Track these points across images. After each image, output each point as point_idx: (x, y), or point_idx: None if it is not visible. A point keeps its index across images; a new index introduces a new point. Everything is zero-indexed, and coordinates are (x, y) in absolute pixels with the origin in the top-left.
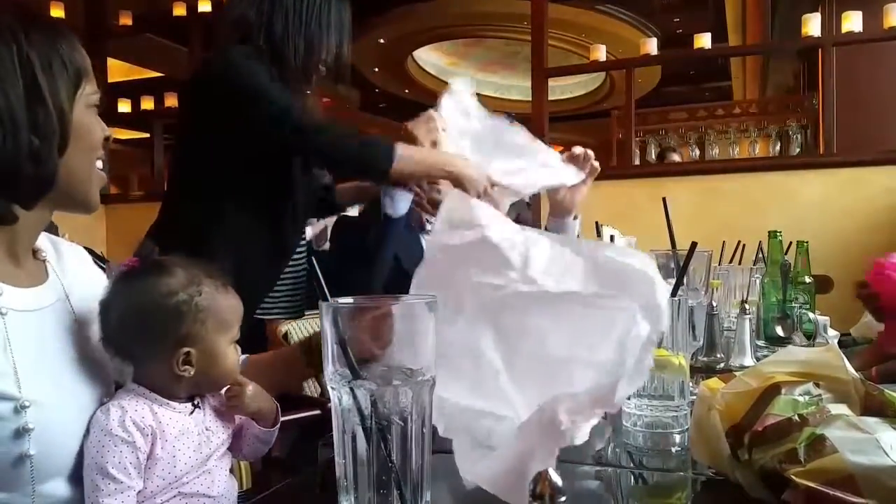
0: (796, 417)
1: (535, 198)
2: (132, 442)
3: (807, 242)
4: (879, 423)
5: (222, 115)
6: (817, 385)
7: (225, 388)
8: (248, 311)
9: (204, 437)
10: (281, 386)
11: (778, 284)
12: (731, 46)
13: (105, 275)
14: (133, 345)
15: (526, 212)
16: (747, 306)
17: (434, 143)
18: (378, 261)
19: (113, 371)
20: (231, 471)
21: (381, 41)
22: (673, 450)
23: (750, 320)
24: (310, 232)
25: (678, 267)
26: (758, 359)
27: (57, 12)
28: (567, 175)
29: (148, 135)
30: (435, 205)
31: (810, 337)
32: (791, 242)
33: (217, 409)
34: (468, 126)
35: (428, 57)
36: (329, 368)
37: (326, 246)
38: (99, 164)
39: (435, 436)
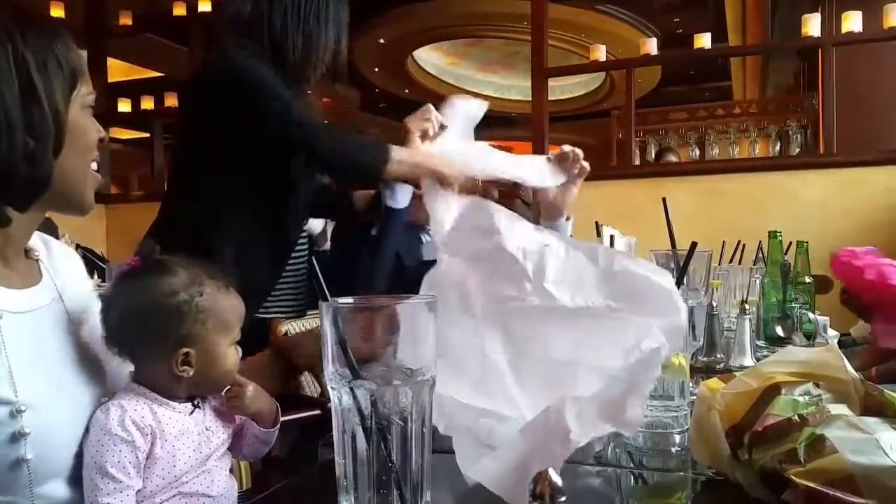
0: (796, 417)
1: (536, 198)
2: (132, 441)
3: (807, 242)
4: (879, 423)
5: (222, 114)
6: (817, 385)
7: (225, 389)
8: (250, 311)
9: (204, 436)
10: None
11: (778, 284)
12: (731, 46)
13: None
14: (133, 344)
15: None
16: (747, 306)
17: (424, 134)
18: (380, 254)
19: (114, 370)
20: (231, 471)
21: (381, 41)
22: (673, 450)
23: (750, 320)
24: (318, 225)
25: (678, 267)
26: (758, 359)
27: (57, 12)
28: (551, 177)
29: (148, 135)
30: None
31: (810, 337)
32: (791, 242)
33: (217, 410)
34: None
35: (428, 57)
36: (329, 368)
37: (327, 246)
38: (94, 165)
39: (435, 435)
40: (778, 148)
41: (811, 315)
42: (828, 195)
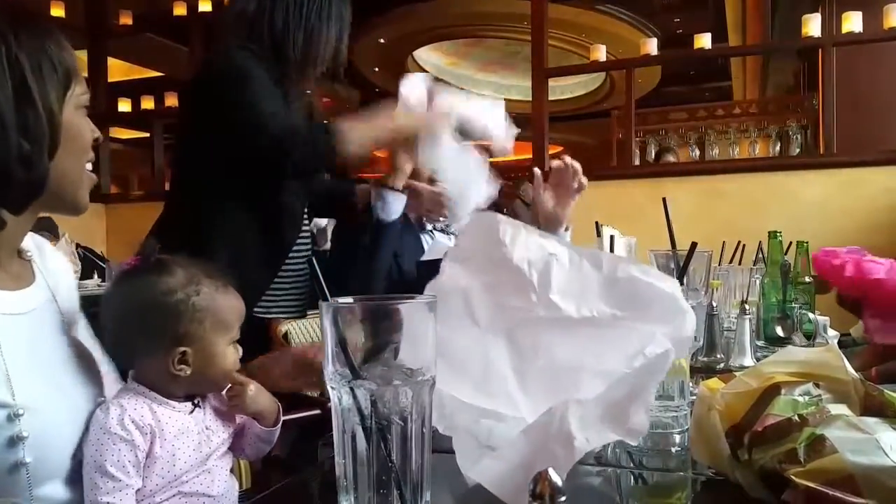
0: (796, 417)
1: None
2: (131, 440)
3: (807, 243)
4: (879, 423)
5: (220, 115)
6: (817, 385)
7: (226, 389)
8: (247, 310)
9: (204, 436)
10: None
11: (778, 285)
12: (732, 46)
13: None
14: (130, 343)
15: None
16: (747, 306)
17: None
18: (375, 265)
19: (108, 369)
20: (231, 470)
21: (382, 41)
22: (673, 450)
23: (750, 320)
24: (321, 222)
25: (678, 267)
26: (758, 359)
27: (57, 11)
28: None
29: (148, 134)
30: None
31: (810, 337)
32: (791, 243)
33: (218, 409)
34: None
35: (428, 57)
36: (329, 368)
37: (327, 245)
38: (89, 165)
39: (435, 435)
40: (778, 148)
41: (811, 315)
42: (828, 195)
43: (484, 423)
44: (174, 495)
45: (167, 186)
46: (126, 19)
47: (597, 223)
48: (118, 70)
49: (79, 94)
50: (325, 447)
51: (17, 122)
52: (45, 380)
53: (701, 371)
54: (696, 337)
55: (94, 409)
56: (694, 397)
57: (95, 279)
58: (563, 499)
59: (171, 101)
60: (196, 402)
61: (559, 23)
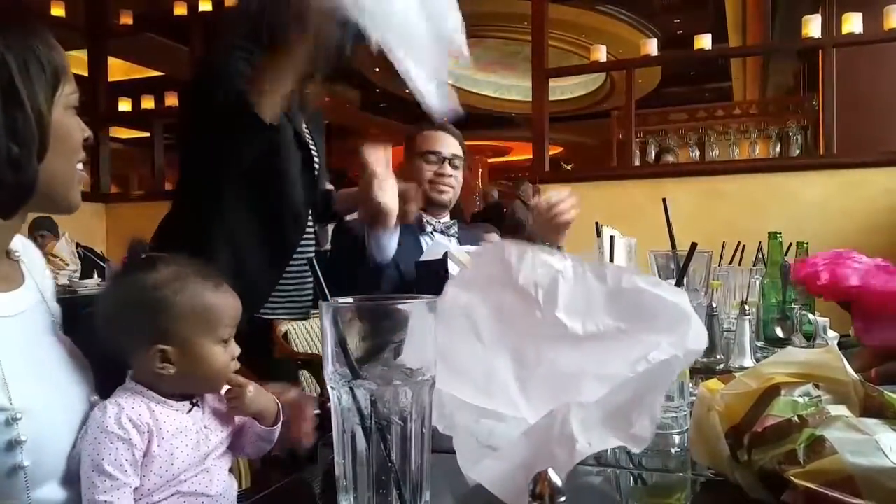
0: (796, 418)
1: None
2: (128, 439)
3: (807, 243)
4: (879, 424)
5: (213, 115)
6: (817, 386)
7: (225, 389)
8: (251, 312)
9: (202, 434)
10: None
11: (778, 285)
12: (732, 47)
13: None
14: (118, 340)
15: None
16: (747, 307)
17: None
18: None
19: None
20: (230, 470)
21: None
22: (672, 450)
23: (750, 321)
24: None
25: (678, 268)
26: (757, 360)
27: (58, 11)
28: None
29: (148, 134)
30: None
31: (810, 338)
32: (791, 243)
33: (217, 408)
34: None
35: None
36: (329, 368)
37: (328, 246)
38: (80, 165)
39: (435, 435)
40: (778, 149)
41: (811, 316)
42: (828, 196)
43: (484, 422)
44: (172, 495)
45: (167, 186)
46: (126, 19)
47: (597, 223)
48: (118, 70)
49: (68, 93)
50: (324, 447)
51: (4, 125)
52: (42, 382)
53: (701, 372)
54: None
55: (89, 409)
56: (693, 398)
57: (95, 279)
58: (562, 499)
59: (172, 100)
60: (195, 401)
61: (560, 23)
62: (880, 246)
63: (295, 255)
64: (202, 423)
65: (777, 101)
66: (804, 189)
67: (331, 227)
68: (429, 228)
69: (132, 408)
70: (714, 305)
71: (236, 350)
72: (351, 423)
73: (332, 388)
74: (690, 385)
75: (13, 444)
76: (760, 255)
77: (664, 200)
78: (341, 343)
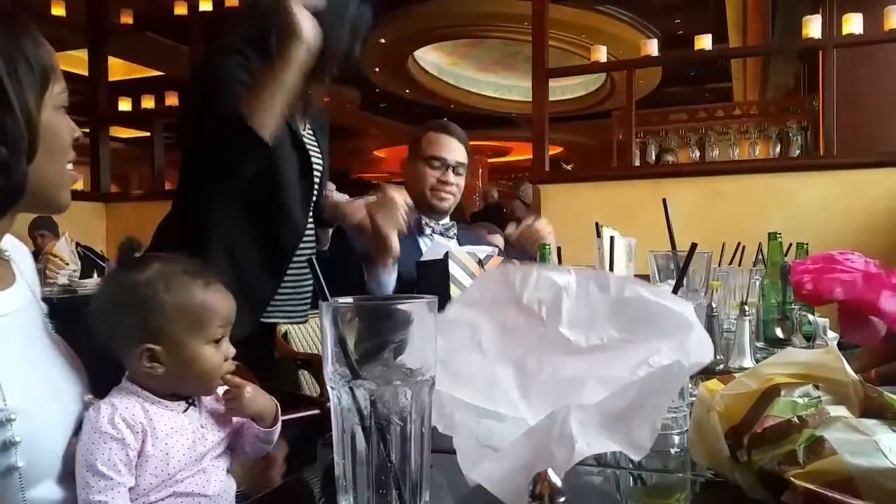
0: (795, 419)
1: (536, 198)
2: (121, 439)
3: (807, 244)
4: (879, 425)
5: (205, 119)
6: (817, 387)
7: (223, 390)
8: (251, 321)
9: (198, 434)
10: None
11: (777, 286)
12: (732, 48)
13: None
14: (107, 340)
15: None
16: (747, 308)
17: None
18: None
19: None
20: (228, 470)
21: (382, 41)
22: (672, 451)
23: (749, 322)
24: None
25: (678, 268)
26: (757, 360)
27: (58, 10)
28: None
29: (148, 133)
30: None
31: (810, 339)
32: (791, 244)
33: (214, 409)
34: None
35: (429, 57)
36: (329, 368)
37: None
38: (70, 165)
39: (434, 435)
40: (778, 149)
41: (811, 317)
42: (828, 197)
43: (484, 423)
44: (169, 495)
45: (167, 186)
46: (127, 18)
47: (597, 224)
48: (119, 69)
49: (57, 93)
50: (324, 447)
51: None
52: (35, 382)
53: (700, 372)
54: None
55: (83, 408)
56: (693, 398)
57: (95, 278)
58: (562, 499)
59: (172, 100)
60: (191, 401)
61: (560, 23)
62: (880, 246)
63: (294, 260)
64: (198, 422)
65: (777, 101)
66: (804, 189)
67: (331, 228)
68: (427, 231)
69: (126, 408)
70: (714, 306)
71: (230, 351)
72: (351, 423)
73: (331, 388)
74: (690, 386)
75: (7, 445)
76: (760, 256)
77: (664, 201)
78: (341, 343)
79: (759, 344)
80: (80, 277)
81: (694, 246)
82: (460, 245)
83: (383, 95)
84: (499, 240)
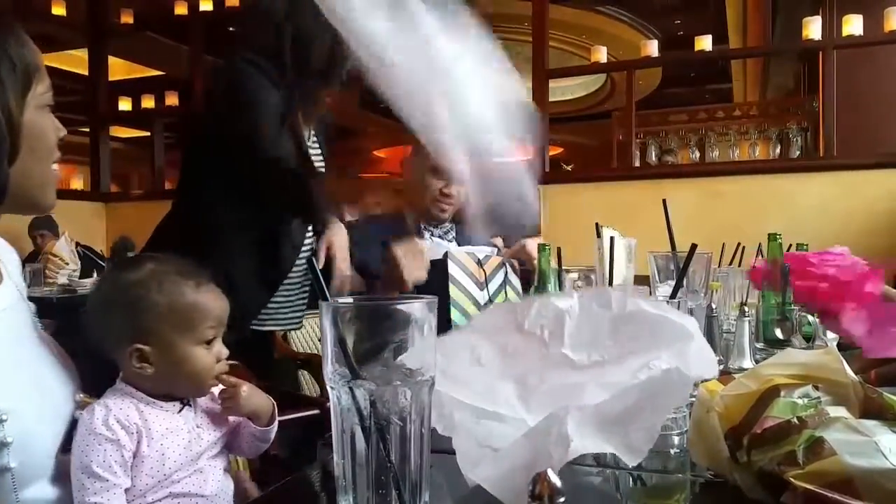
0: (795, 420)
1: (536, 200)
2: (116, 440)
3: (806, 245)
4: (878, 425)
5: (224, 134)
6: (816, 387)
7: (219, 390)
8: (243, 325)
9: (194, 434)
10: None
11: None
12: (732, 49)
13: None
14: (99, 340)
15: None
16: (746, 308)
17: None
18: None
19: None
20: (228, 470)
21: None
22: (672, 451)
23: (749, 322)
24: None
25: (678, 269)
26: (757, 361)
27: (58, 10)
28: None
29: (148, 133)
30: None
31: (809, 339)
32: (791, 245)
33: (210, 408)
34: None
35: None
36: (328, 368)
37: None
38: (55, 165)
39: (434, 435)
40: (778, 150)
41: (810, 317)
42: (828, 198)
43: (484, 423)
44: (166, 496)
45: (167, 186)
46: (127, 18)
47: (597, 224)
48: (118, 69)
49: (41, 92)
50: (324, 447)
51: None
52: (26, 382)
53: None
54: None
55: (74, 408)
56: (693, 399)
57: (95, 278)
58: (562, 500)
59: (172, 100)
60: (186, 401)
61: (560, 24)
62: (880, 247)
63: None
64: (194, 422)
65: (777, 102)
66: (804, 190)
67: None
68: (426, 235)
69: (120, 409)
70: (713, 307)
71: (223, 352)
72: (350, 423)
73: (331, 388)
74: None
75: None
76: (760, 257)
77: (664, 201)
78: (341, 343)
79: (759, 345)
80: (80, 277)
81: (694, 247)
82: (459, 246)
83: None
84: (498, 240)
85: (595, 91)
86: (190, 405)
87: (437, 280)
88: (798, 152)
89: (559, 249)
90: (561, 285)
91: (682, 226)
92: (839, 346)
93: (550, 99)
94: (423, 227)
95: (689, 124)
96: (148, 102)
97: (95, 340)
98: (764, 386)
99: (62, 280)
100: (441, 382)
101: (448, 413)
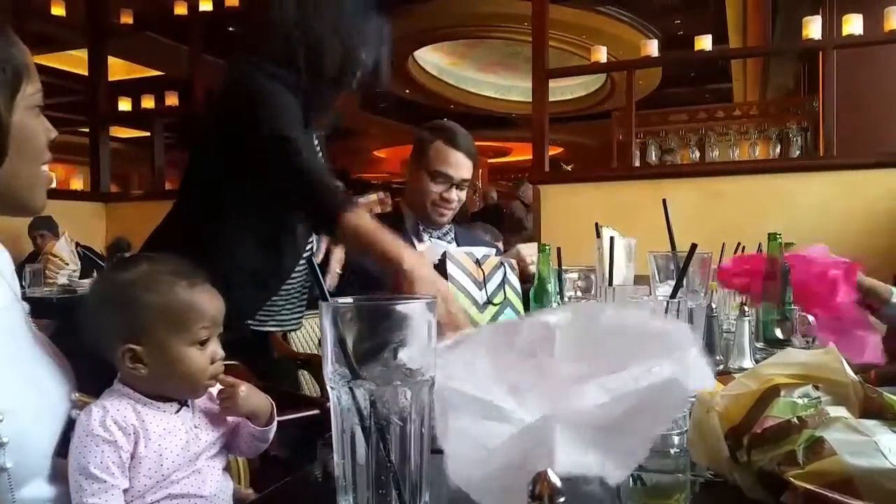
0: (795, 419)
1: (536, 199)
2: (113, 441)
3: (792, 244)
4: (878, 425)
5: (238, 135)
6: (816, 387)
7: (217, 390)
8: (241, 322)
9: (192, 435)
10: None
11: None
12: (732, 48)
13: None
14: (94, 340)
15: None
16: (746, 308)
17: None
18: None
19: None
20: (227, 470)
21: None
22: (672, 451)
23: (749, 322)
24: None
25: (678, 268)
26: (757, 361)
27: (58, 10)
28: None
29: (148, 133)
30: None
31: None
32: (791, 245)
33: (208, 408)
34: None
35: (429, 57)
36: (328, 368)
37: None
38: (45, 167)
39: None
40: (778, 150)
41: (810, 317)
42: (828, 197)
43: (483, 423)
44: (164, 497)
45: (167, 186)
46: (126, 18)
47: (597, 224)
48: (118, 69)
49: (30, 93)
50: (324, 447)
51: None
52: (21, 382)
53: None
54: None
55: (70, 407)
56: (693, 399)
57: (95, 277)
58: (561, 500)
59: (172, 100)
60: (183, 401)
61: (560, 24)
62: (880, 247)
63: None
64: (192, 423)
65: (777, 102)
66: (804, 190)
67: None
68: (425, 237)
69: (117, 410)
70: (713, 306)
71: (218, 353)
72: (350, 423)
73: (331, 388)
74: None
75: None
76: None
77: (664, 201)
78: (341, 343)
79: (759, 344)
80: (80, 278)
81: (694, 246)
82: (458, 246)
83: (383, 95)
84: (499, 243)
85: (595, 91)
86: (188, 406)
87: None
88: (798, 152)
89: (559, 249)
90: (561, 285)
91: (682, 225)
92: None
93: (550, 99)
94: (422, 229)
95: (689, 124)
96: (148, 102)
97: (91, 341)
98: (764, 386)
99: (62, 280)
100: (440, 380)
101: (442, 416)
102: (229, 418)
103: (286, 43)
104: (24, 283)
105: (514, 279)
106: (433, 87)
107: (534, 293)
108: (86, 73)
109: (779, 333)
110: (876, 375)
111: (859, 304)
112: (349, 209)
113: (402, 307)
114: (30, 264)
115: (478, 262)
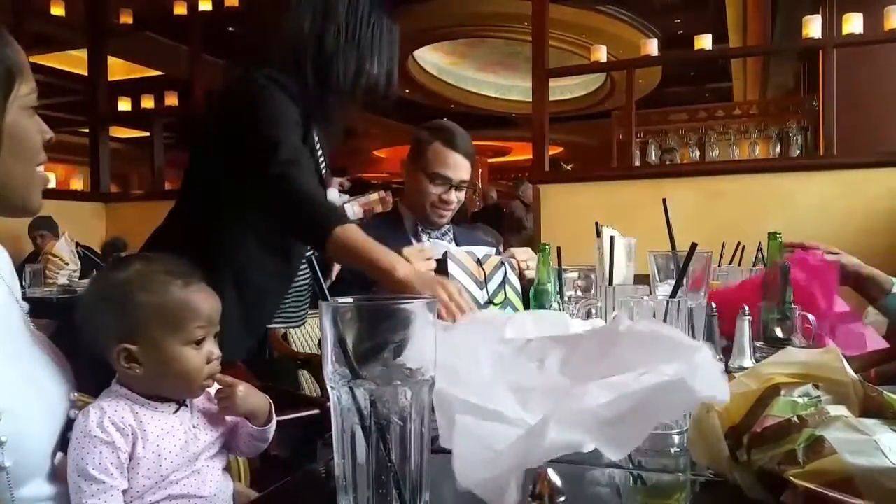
0: (795, 419)
1: (536, 198)
2: (111, 442)
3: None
4: (878, 424)
5: (237, 136)
6: (816, 386)
7: (215, 390)
8: (258, 328)
9: (190, 435)
10: None
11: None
12: (732, 48)
13: None
14: (90, 340)
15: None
16: (746, 308)
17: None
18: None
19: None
20: (227, 470)
21: None
22: (672, 451)
23: (749, 322)
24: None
25: (678, 268)
26: (757, 360)
27: (57, 10)
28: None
29: (148, 133)
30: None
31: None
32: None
33: (207, 408)
34: None
35: (428, 57)
36: (329, 368)
37: None
38: (41, 167)
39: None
40: (778, 149)
41: (810, 317)
42: (828, 197)
43: (486, 424)
44: (164, 498)
45: (167, 186)
46: (126, 18)
47: (597, 224)
48: (118, 69)
49: (24, 94)
50: (324, 447)
51: None
52: (19, 381)
53: None
54: (695, 338)
55: (69, 407)
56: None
57: None
58: (562, 499)
59: (171, 100)
60: (182, 401)
61: (560, 23)
62: (880, 246)
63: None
64: (190, 423)
65: (777, 101)
66: (804, 189)
67: None
68: (424, 238)
69: (115, 411)
70: (714, 306)
71: (214, 352)
72: (350, 423)
73: (331, 387)
74: None
75: None
76: (760, 256)
77: (664, 201)
78: (341, 343)
79: (759, 344)
80: (80, 278)
81: (694, 246)
82: (458, 246)
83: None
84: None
85: (595, 90)
86: (186, 406)
87: None
88: (798, 151)
89: (559, 249)
90: (561, 285)
91: (682, 225)
92: None
93: (550, 98)
94: (421, 229)
95: (689, 123)
96: (147, 102)
97: (88, 341)
98: (764, 385)
99: (62, 280)
100: (441, 378)
101: (448, 418)
102: (228, 418)
103: (295, 52)
104: (24, 283)
105: (514, 279)
106: (433, 87)
107: (534, 293)
108: (85, 73)
109: (779, 333)
110: (876, 374)
111: (858, 292)
112: (338, 224)
113: (402, 307)
114: (30, 264)
115: (479, 262)
